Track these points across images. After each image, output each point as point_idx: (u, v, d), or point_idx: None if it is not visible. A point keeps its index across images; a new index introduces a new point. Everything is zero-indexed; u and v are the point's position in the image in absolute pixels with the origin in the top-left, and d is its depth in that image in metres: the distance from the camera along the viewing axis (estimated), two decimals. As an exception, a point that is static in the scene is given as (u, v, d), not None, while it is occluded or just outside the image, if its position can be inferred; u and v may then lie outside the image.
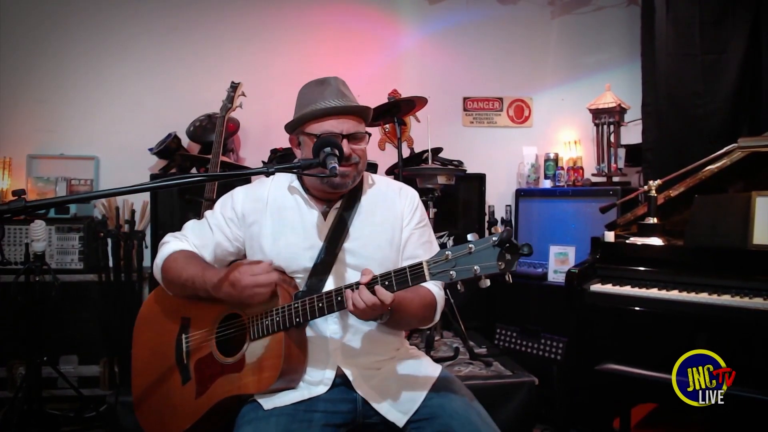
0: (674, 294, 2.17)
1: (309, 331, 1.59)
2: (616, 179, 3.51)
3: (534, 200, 3.67)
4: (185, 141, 3.56)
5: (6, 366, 3.07)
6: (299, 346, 1.55)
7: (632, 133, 3.55)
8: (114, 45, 3.68)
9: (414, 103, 2.92)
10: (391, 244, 1.67)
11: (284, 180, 1.73)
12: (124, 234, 3.30)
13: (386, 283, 1.38)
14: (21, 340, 2.87)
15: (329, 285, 1.59)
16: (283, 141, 2.96)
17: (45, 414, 2.83)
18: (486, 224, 3.66)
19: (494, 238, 1.23)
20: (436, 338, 2.90)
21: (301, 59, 3.77)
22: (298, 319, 1.50)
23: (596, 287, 2.38)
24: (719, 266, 2.16)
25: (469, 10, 3.99)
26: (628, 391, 2.47)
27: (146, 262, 3.35)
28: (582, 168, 3.69)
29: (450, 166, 3.43)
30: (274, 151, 3.30)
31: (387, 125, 3.60)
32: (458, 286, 1.30)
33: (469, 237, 1.28)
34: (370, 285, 1.38)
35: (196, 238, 1.71)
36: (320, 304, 1.48)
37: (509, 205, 3.78)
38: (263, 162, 3.33)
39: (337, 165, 1.46)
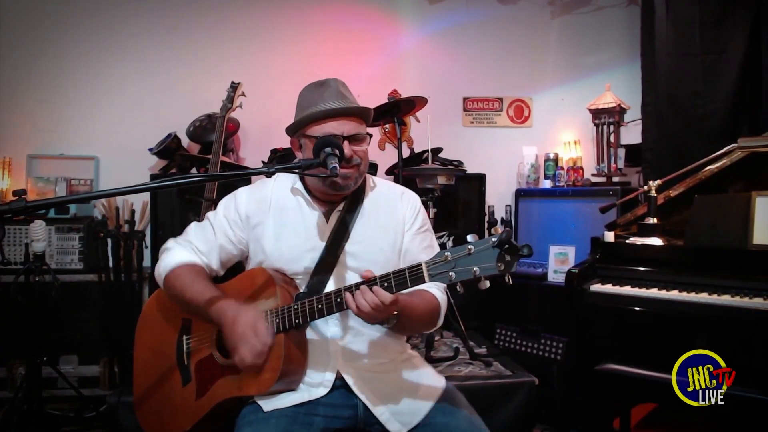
0: (674, 294, 2.17)
1: (309, 333, 1.59)
2: (616, 179, 3.51)
3: (534, 200, 3.67)
4: (185, 141, 3.55)
5: (6, 366, 3.07)
6: (299, 347, 1.55)
7: (632, 133, 3.54)
8: (114, 45, 3.67)
9: (414, 103, 2.92)
10: (392, 248, 1.67)
11: (287, 181, 1.72)
12: (124, 234, 3.30)
13: (385, 284, 1.37)
14: (21, 340, 2.87)
15: (330, 287, 1.59)
16: (283, 141, 2.95)
17: (45, 414, 2.83)
18: (486, 224, 3.66)
19: (494, 239, 1.23)
20: (436, 338, 2.90)
21: (301, 59, 3.77)
22: (297, 321, 1.49)
23: (596, 287, 2.38)
24: (719, 266, 2.16)
25: (469, 10, 3.99)
26: (628, 391, 2.47)
27: (146, 262, 3.35)
28: (582, 168, 3.69)
29: (450, 166, 3.43)
30: (274, 151, 3.29)
31: (387, 125, 3.60)
32: (458, 287, 1.29)
33: (469, 238, 1.28)
34: (369, 286, 1.38)
35: (201, 244, 1.69)
36: (320, 306, 1.47)
37: (509, 205, 3.78)
38: (263, 162, 3.33)
39: (337, 165, 1.46)
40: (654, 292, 2.22)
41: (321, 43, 3.84)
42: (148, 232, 3.39)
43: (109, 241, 3.26)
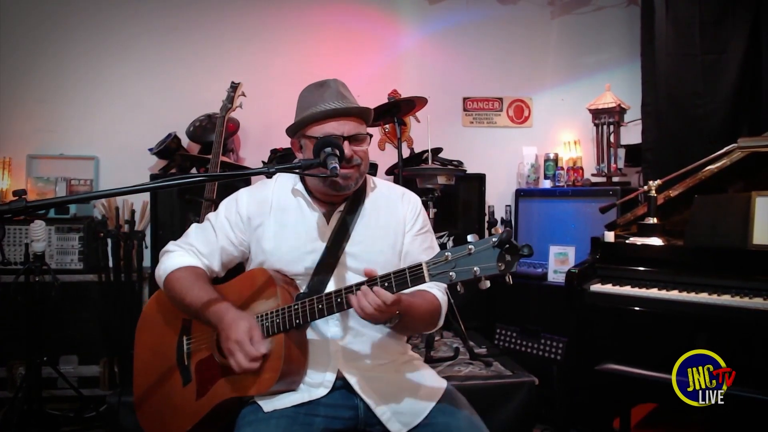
0: (674, 294, 2.17)
1: (310, 333, 1.59)
2: (615, 179, 3.51)
3: (534, 200, 3.67)
4: (185, 141, 3.55)
5: (6, 366, 3.07)
6: (299, 347, 1.55)
7: (632, 133, 3.55)
8: (114, 45, 3.67)
9: (414, 103, 2.92)
10: (393, 249, 1.67)
11: (288, 182, 1.72)
12: (124, 234, 3.30)
13: (386, 284, 1.37)
14: (21, 340, 2.87)
15: (331, 287, 1.59)
16: (283, 141, 2.95)
17: (45, 414, 2.83)
18: (486, 224, 3.66)
19: (494, 239, 1.23)
20: (436, 338, 2.90)
21: (301, 59, 3.77)
22: (298, 321, 1.49)
23: (596, 287, 2.38)
24: (719, 266, 2.16)
25: (469, 10, 3.99)
26: (628, 391, 2.47)
27: (146, 263, 3.34)
28: (582, 168, 3.69)
29: (450, 166, 3.43)
30: (274, 151, 3.29)
31: (387, 125, 3.60)
32: (458, 287, 1.29)
33: (469, 238, 1.28)
34: (370, 285, 1.38)
35: (202, 246, 1.69)
36: (320, 306, 1.47)
37: (509, 205, 3.78)
38: (263, 162, 3.33)
39: (337, 165, 1.46)
40: (654, 292, 2.22)
41: (321, 43, 3.84)
42: (148, 232, 3.39)
43: (109, 241, 3.26)
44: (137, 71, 3.69)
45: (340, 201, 1.67)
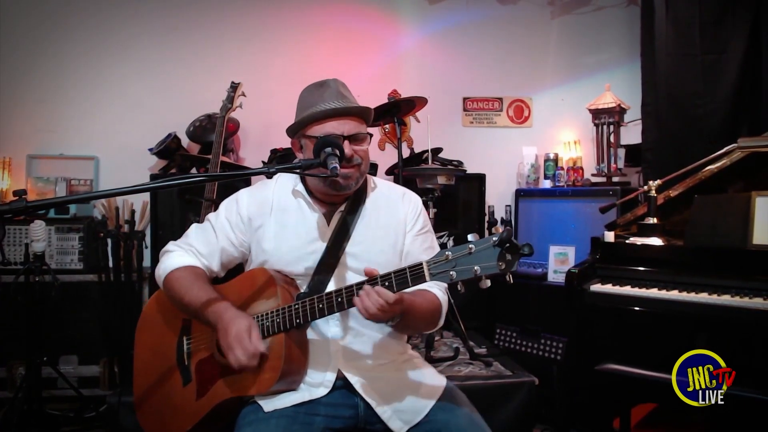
0: (674, 294, 2.17)
1: (310, 333, 1.59)
2: (615, 179, 3.51)
3: (534, 200, 3.67)
4: (185, 141, 3.55)
5: (6, 366, 3.07)
6: (300, 347, 1.55)
7: (632, 133, 3.55)
8: (114, 45, 3.67)
9: (414, 103, 2.92)
10: (393, 249, 1.67)
11: (288, 182, 1.72)
12: (124, 234, 3.30)
13: (386, 283, 1.38)
14: (21, 340, 2.87)
15: (331, 287, 1.59)
16: (283, 141, 2.96)
17: (45, 414, 2.83)
18: (486, 224, 3.66)
19: (494, 239, 1.23)
20: (436, 338, 2.90)
21: (301, 59, 3.77)
22: (298, 320, 1.49)
23: (596, 287, 2.38)
24: (719, 266, 2.16)
25: (469, 10, 3.99)
26: (628, 391, 2.47)
27: (146, 262, 3.34)
28: (582, 168, 3.69)
29: (450, 166, 3.43)
30: (274, 152, 3.30)
31: (387, 125, 3.60)
32: (459, 286, 1.29)
33: (470, 237, 1.28)
34: (371, 285, 1.38)
35: (202, 246, 1.69)
36: (320, 305, 1.48)
37: (509, 205, 3.78)
38: (263, 162, 3.33)
39: (338, 165, 1.46)
40: (654, 292, 2.22)
41: (321, 43, 3.84)
42: (148, 232, 3.39)
43: (109, 241, 3.26)
44: (137, 71, 3.69)
45: (341, 201, 1.67)
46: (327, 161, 1.46)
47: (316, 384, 1.56)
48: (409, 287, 1.37)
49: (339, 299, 1.45)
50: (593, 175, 3.60)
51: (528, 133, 4.05)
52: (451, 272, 1.28)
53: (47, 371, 2.91)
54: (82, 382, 3.12)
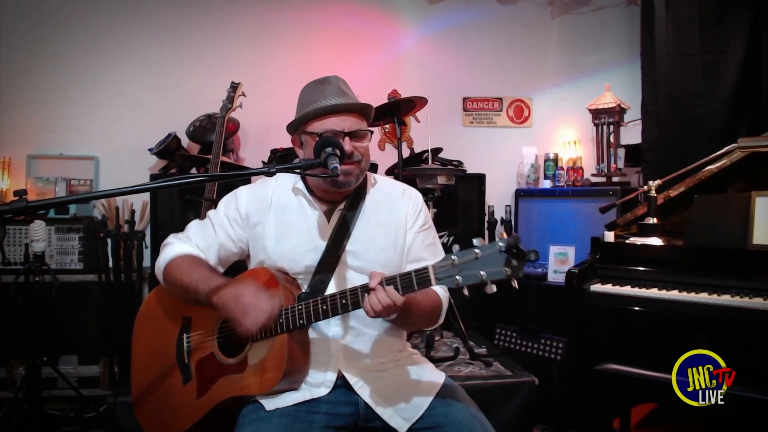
0: (674, 294, 2.17)
1: (311, 333, 1.59)
2: (615, 179, 3.51)
3: (534, 200, 3.67)
4: (185, 141, 3.56)
5: (6, 366, 3.07)
6: (302, 347, 1.55)
7: (632, 133, 3.55)
8: (114, 45, 3.68)
9: (414, 103, 2.92)
10: (394, 247, 1.67)
11: (288, 181, 1.72)
12: (124, 234, 3.30)
13: (391, 286, 1.37)
14: (21, 340, 2.86)
15: (332, 286, 1.59)
16: (283, 141, 2.96)
17: (45, 414, 2.83)
18: (486, 224, 3.67)
19: (501, 244, 1.22)
20: (436, 338, 2.90)
21: (301, 59, 3.77)
22: (302, 321, 1.49)
23: (596, 287, 2.38)
24: (719, 266, 2.16)
25: (469, 10, 3.99)
26: (628, 391, 2.47)
27: (146, 262, 3.35)
28: (582, 168, 3.70)
29: (450, 166, 3.43)
30: (274, 151, 3.30)
31: (387, 125, 3.60)
32: (464, 291, 1.29)
33: (475, 242, 1.26)
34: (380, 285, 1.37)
35: (200, 240, 1.70)
36: (324, 307, 1.47)
37: (509, 205, 3.78)
38: (263, 162, 3.33)
39: (338, 165, 1.46)
40: (654, 292, 2.22)
41: (321, 43, 3.84)
42: (148, 232, 3.39)
43: (109, 241, 3.26)
44: (137, 71, 3.69)
45: (341, 199, 1.67)
46: (327, 161, 1.46)
47: (317, 384, 1.56)
48: (414, 291, 1.37)
49: (344, 301, 1.45)
50: (593, 175, 3.60)
51: (528, 133, 4.05)
52: (456, 277, 1.26)
53: (47, 371, 2.91)
54: (82, 382, 3.12)
